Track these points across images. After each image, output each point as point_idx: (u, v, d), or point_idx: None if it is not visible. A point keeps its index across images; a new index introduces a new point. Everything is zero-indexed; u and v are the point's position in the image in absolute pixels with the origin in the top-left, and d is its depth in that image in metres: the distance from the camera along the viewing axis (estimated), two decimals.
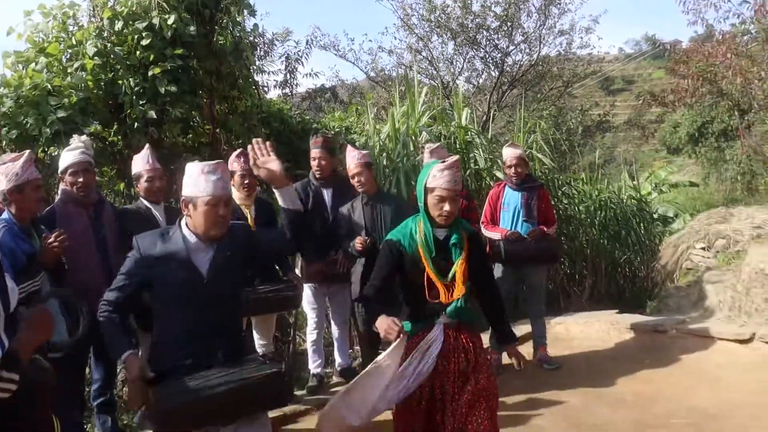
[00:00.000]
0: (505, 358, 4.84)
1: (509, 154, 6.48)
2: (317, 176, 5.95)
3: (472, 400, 3.49)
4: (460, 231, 3.64)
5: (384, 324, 3.44)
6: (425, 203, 3.57)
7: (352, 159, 5.61)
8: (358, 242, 5.35)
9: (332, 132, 8.71)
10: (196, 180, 3.18)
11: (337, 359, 6.47)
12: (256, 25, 7.99)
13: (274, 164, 3.38)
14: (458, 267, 3.57)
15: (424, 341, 3.59)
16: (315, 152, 5.93)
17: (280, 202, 3.47)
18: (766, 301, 7.68)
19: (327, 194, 5.98)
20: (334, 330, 6.41)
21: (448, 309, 3.58)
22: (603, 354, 6.99)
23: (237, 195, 5.40)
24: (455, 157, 3.66)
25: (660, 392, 5.72)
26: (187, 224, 3.27)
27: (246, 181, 5.39)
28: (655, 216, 14.32)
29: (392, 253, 3.67)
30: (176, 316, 3.23)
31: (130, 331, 3.54)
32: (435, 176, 3.52)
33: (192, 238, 3.24)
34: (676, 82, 18.77)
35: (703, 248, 10.24)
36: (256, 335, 5.75)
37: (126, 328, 3.31)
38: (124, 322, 3.28)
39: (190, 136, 7.17)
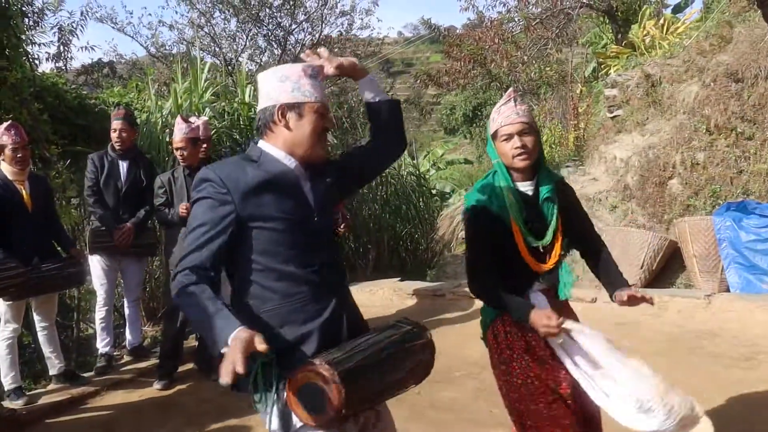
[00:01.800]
0: None
1: None
2: (117, 147, 5.91)
3: None
4: (550, 181, 3.00)
5: (541, 320, 2.76)
6: (501, 155, 2.94)
7: (179, 131, 5.58)
8: (183, 207, 5.31)
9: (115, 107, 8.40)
10: (298, 82, 2.37)
11: (128, 337, 6.33)
12: None
13: (343, 59, 2.59)
14: (554, 226, 2.96)
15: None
16: (116, 123, 5.92)
17: (367, 95, 2.67)
18: None
19: (123, 166, 5.95)
20: (126, 306, 6.26)
21: (546, 276, 3.00)
22: (386, 319, 7.28)
23: (9, 170, 5.12)
24: (511, 88, 3.13)
25: (440, 349, 6.05)
26: (273, 145, 2.42)
27: (19, 155, 5.12)
28: (434, 191, 15.05)
29: (480, 219, 2.95)
30: (285, 270, 2.33)
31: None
32: (494, 119, 2.98)
33: (289, 161, 2.40)
34: (450, 64, 19.81)
35: None
36: (37, 317, 5.48)
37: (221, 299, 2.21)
38: (218, 292, 2.23)
39: None
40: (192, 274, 2.22)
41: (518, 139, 2.85)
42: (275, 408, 2.15)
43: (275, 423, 2.15)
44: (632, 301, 2.95)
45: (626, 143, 9.01)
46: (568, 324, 2.75)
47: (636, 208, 8.14)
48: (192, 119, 6.09)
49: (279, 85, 2.37)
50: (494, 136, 2.95)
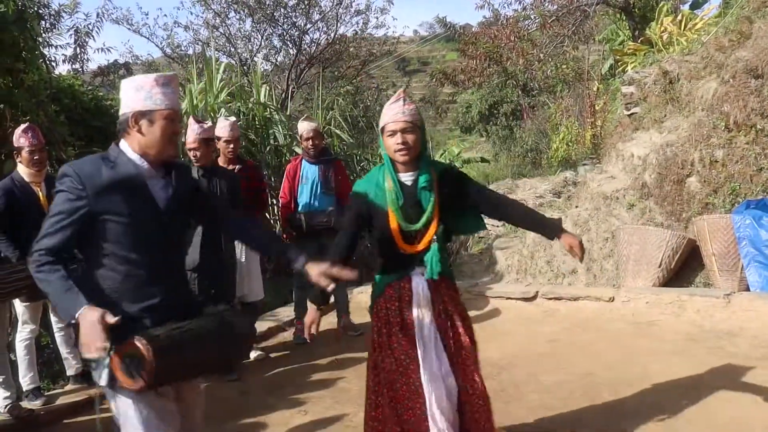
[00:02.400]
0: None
1: (305, 127, 6.57)
2: None
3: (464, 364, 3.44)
4: (430, 172, 3.36)
5: (309, 318, 3.37)
6: (386, 148, 3.35)
7: (192, 132, 5.57)
8: None
9: None
10: (150, 92, 2.70)
11: None
12: None
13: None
14: (429, 212, 3.32)
15: (399, 292, 3.42)
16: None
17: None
18: (548, 263, 8.39)
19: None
20: None
21: (422, 258, 3.36)
22: None
23: (26, 172, 5.15)
24: (401, 89, 3.61)
25: None
26: (130, 146, 2.75)
27: (35, 158, 5.13)
28: None
29: (359, 205, 3.44)
30: (128, 257, 2.69)
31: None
32: (384, 114, 3.36)
33: (142, 162, 2.74)
34: (466, 62, 19.76)
35: None
36: (53, 318, 5.51)
37: (71, 278, 2.58)
38: (69, 272, 2.61)
39: None
40: (47, 255, 2.58)
41: (400, 136, 3.25)
42: (106, 368, 2.50)
43: (104, 379, 2.53)
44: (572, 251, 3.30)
45: (644, 141, 8.93)
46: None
47: (654, 207, 8.06)
48: (219, 120, 6.11)
49: (134, 94, 2.72)
50: (382, 131, 3.35)
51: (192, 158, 5.65)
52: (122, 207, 2.65)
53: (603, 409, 4.57)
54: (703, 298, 6.38)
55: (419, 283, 3.40)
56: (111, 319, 2.41)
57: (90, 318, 2.41)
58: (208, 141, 5.66)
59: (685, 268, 7.42)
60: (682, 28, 11.58)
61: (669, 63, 9.49)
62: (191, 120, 5.71)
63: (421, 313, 3.38)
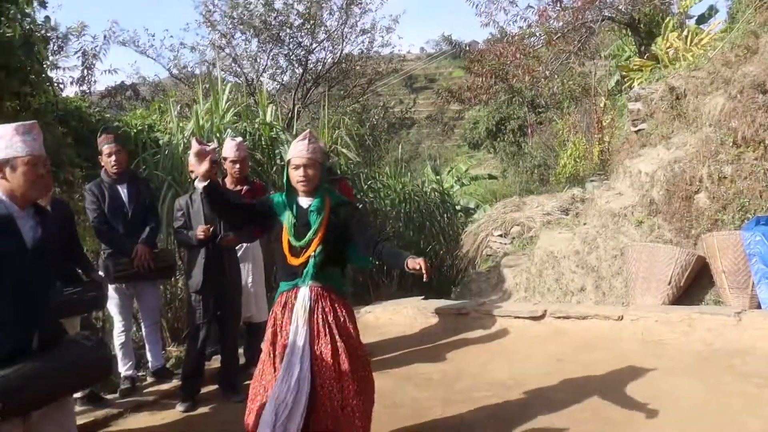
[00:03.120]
0: None
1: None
2: (114, 172, 5.81)
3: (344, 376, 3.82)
4: (324, 199, 3.94)
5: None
6: (290, 178, 3.92)
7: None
8: (200, 231, 5.37)
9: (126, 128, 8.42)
10: (11, 141, 2.96)
11: (150, 361, 6.32)
12: (47, 18, 7.48)
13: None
14: (313, 232, 3.87)
15: (288, 300, 3.95)
16: (108, 148, 5.82)
17: None
18: (556, 281, 8.33)
19: (122, 190, 5.86)
20: (145, 331, 6.25)
21: (303, 270, 3.90)
22: (410, 338, 7.28)
23: None
24: (308, 130, 4.09)
25: (463, 369, 6.05)
26: (1, 189, 2.99)
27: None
28: (458, 207, 14.98)
29: (265, 205, 4.06)
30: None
31: None
32: (291, 149, 3.96)
33: (9, 205, 2.97)
34: (472, 80, 19.78)
35: (501, 235, 10.87)
36: None
37: None
38: None
39: None
40: None
41: (302, 170, 3.86)
42: None
43: None
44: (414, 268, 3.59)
45: (651, 157, 8.89)
46: None
47: (662, 223, 8.01)
48: (226, 141, 6.11)
49: None
50: (288, 163, 3.93)
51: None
52: None
53: (613, 430, 4.51)
54: (713, 316, 6.30)
55: (303, 293, 3.90)
56: None
57: None
58: (212, 162, 5.64)
59: (695, 286, 7.35)
60: (688, 43, 11.58)
61: (675, 79, 9.48)
62: (194, 141, 5.67)
63: (298, 320, 3.88)
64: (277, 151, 8.92)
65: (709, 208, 7.59)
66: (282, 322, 3.95)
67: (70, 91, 12.65)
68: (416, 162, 29.92)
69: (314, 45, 18.19)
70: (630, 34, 16.25)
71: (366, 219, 4.41)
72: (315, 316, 3.88)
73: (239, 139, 6.59)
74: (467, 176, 21.03)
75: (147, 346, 6.30)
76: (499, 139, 27.38)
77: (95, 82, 14.48)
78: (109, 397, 5.88)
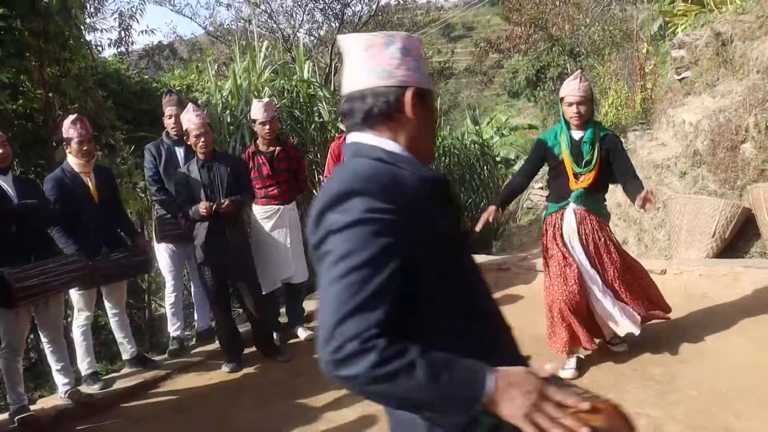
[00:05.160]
0: None
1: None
2: (173, 134, 5.92)
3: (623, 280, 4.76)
4: (595, 132, 4.65)
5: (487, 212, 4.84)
6: (564, 113, 4.67)
7: (198, 117, 5.42)
8: (202, 207, 5.29)
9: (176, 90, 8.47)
10: None
11: (197, 321, 6.45)
12: None
13: None
14: (590, 157, 4.61)
15: (555, 221, 4.79)
16: (171, 110, 5.97)
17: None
18: None
19: (180, 152, 5.96)
20: (194, 292, 6.37)
21: (573, 194, 4.67)
22: None
23: (75, 162, 5.21)
24: (579, 69, 4.85)
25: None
26: None
27: (84, 148, 5.19)
28: (498, 159, 14.86)
29: (539, 149, 4.89)
30: None
31: None
32: (564, 87, 4.67)
33: None
34: (510, 29, 19.45)
35: (541, 187, 10.78)
36: (108, 304, 5.63)
37: None
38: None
39: (21, 102, 6.75)
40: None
41: (575, 107, 4.59)
42: None
43: None
44: (645, 202, 4.34)
45: (695, 106, 8.69)
46: None
47: (707, 174, 7.86)
48: (254, 102, 6.10)
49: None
50: (561, 100, 4.68)
51: (199, 148, 5.45)
52: None
53: (655, 387, 4.50)
54: (759, 269, 6.19)
55: (569, 216, 4.77)
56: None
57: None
58: (210, 125, 5.60)
59: (740, 238, 7.24)
60: None
61: (721, 24, 9.19)
62: (191, 106, 5.56)
63: (571, 240, 4.77)
64: (315, 108, 8.89)
65: (755, 159, 7.43)
66: (555, 238, 4.77)
67: (108, 53, 12.75)
68: (455, 112, 29.68)
69: None
70: None
71: (624, 150, 4.80)
72: (582, 236, 4.70)
73: (266, 99, 6.60)
74: (507, 126, 20.77)
75: (195, 306, 6.43)
76: (539, 88, 26.87)
77: (133, 43, 14.55)
78: (157, 358, 6.03)
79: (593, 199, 4.75)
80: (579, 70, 4.78)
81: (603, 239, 4.72)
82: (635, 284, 4.84)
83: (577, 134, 4.67)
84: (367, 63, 1.72)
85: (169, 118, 5.98)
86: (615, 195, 8.45)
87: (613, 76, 16.13)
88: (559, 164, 4.73)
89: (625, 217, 8.13)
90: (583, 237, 4.70)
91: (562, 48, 18.75)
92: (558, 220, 4.78)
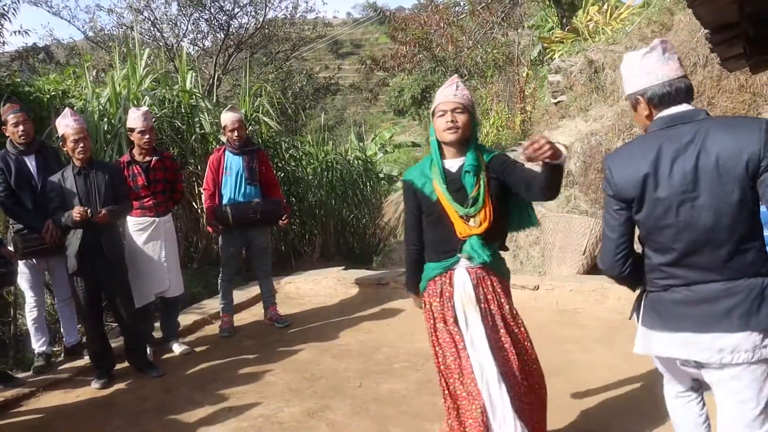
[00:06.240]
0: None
1: (228, 118, 6.43)
2: (21, 142, 5.56)
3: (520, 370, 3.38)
4: (477, 157, 3.35)
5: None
6: (435, 131, 3.39)
7: (76, 122, 5.22)
8: (76, 212, 5.04)
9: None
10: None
11: (65, 337, 6.16)
12: None
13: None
14: (476, 192, 3.30)
15: (443, 288, 3.40)
16: (14, 117, 5.55)
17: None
18: None
19: (30, 161, 5.61)
20: (58, 306, 6.08)
21: (466, 244, 3.31)
22: (330, 309, 7.29)
23: None
24: (455, 75, 3.65)
25: (382, 340, 6.10)
26: None
27: None
28: (381, 175, 15.01)
29: (409, 194, 3.52)
30: None
31: None
32: (438, 95, 3.44)
33: None
34: (396, 48, 19.75)
35: None
36: None
37: None
38: None
39: None
40: None
41: (450, 114, 3.30)
42: None
43: None
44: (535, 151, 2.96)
45: (570, 129, 9.07)
46: None
47: (579, 194, 8.20)
48: (131, 111, 5.92)
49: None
50: (433, 114, 3.40)
51: (76, 154, 5.23)
52: None
53: None
54: (623, 286, 6.46)
55: (460, 277, 3.38)
56: None
57: None
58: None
59: None
60: (608, 17, 11.78)
61: (594, 52, 9.65)
62: (69, 111, 5.34)
63: (465, 311, 3.38)
64: (196, 119, 8.73)
65: None
66: (444, 315, 3.38)
67: None
68: (341, 128, 29.81)
69: (236, 10, 17.86)
70: (553, 5, 16.44)
71: (515, 160, 3.44)
72: (481, 304, 3.34)
73: (145, 108, 6.42)
74: (391, 143, 21.06)
75: (61, 322, 6.14)
76: (423, 106, 27.43)
77: (4, 43, 13.86)
78: (21, 375, 5.72)
79: (491, 251, 3.36)
80: (456, 75, 3.72)
81: (507, 307, 3.43)
82: (534, 380, 3.55)
83: (453, 164, 3.39)
84: None
85: (15, 126, 5.58)
86: None
87: (495, 97, 16.59)
88: (436, 208, 3.37)
89: None
90: (483, 305, 3.35)
91: (446, 69, 19.17)
92: (446, 286, 3.41)
